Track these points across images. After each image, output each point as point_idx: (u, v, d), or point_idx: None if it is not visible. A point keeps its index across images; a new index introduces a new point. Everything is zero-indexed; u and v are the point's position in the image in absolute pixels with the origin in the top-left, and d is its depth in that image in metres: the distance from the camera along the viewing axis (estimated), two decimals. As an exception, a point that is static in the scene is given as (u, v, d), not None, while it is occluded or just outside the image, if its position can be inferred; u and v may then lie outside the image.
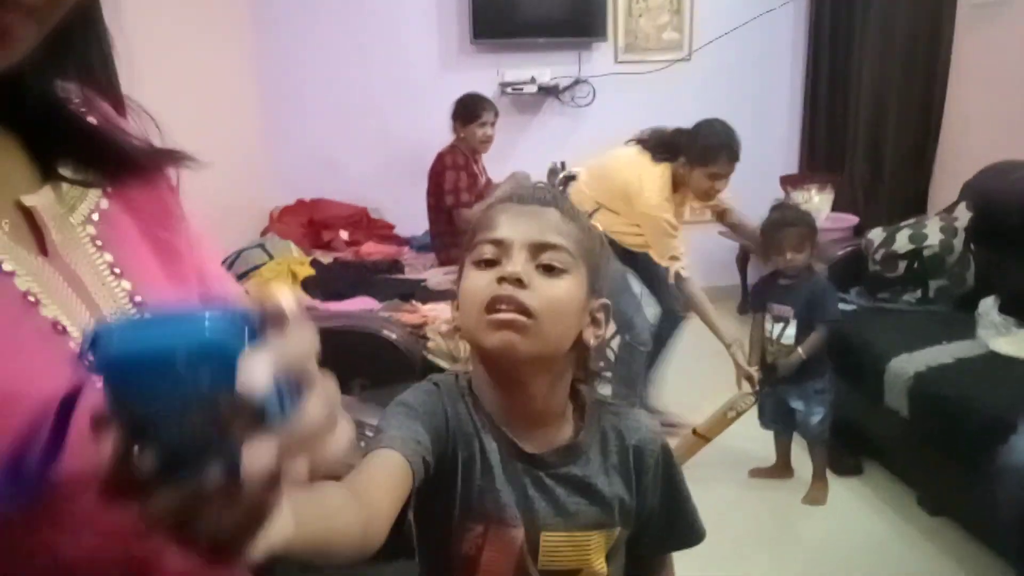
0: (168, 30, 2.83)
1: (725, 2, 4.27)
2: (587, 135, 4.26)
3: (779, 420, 2.57)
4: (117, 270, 0.55)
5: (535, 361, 0.79)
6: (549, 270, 0.78)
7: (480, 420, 0.83)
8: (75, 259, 0.53)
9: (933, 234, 2.80)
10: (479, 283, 0.79)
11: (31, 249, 0.50)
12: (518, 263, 0.77)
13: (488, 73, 4.12)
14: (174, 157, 0.66)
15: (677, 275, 2.60)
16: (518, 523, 0.82)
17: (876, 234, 2.96)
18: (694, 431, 2.51)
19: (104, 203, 0.57)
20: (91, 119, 0.57)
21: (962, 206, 2.86)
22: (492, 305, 0.77)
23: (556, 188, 0.83)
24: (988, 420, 1.99)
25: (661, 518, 0.90)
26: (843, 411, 2.72)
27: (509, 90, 4.11)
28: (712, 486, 2.41)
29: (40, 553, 0.47)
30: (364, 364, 2.28)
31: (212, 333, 0.39)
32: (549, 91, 4.18)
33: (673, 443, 2.38)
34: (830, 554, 2.28)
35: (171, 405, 0.38)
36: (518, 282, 0.76)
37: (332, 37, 4.03)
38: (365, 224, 4.04)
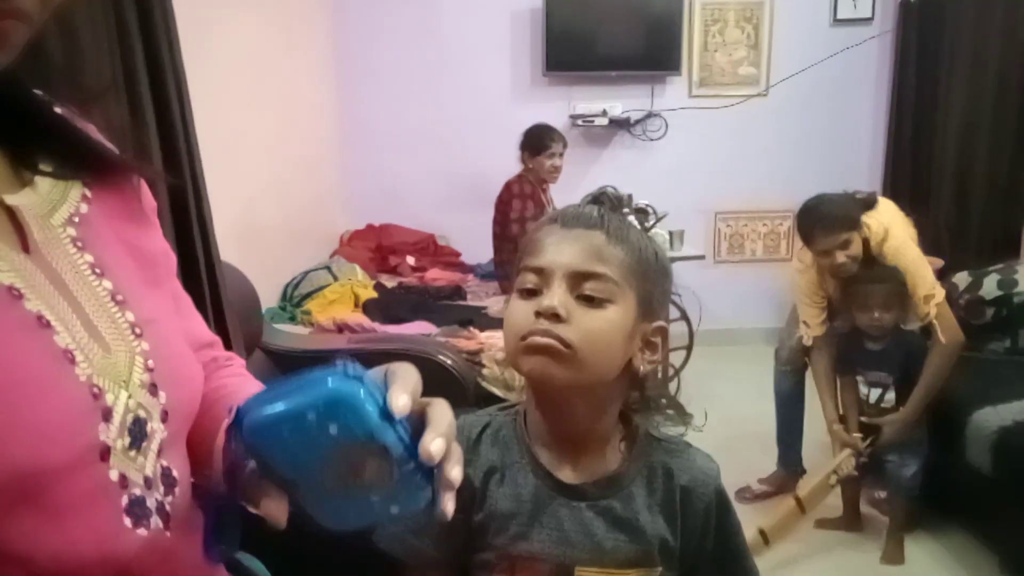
0: (253, 54, 2.96)
1: (805, 37, 4.17)
2: (658, 168, 4.23)
3: (868, 471, 2.43)
4: (98, 270, 0.57)
5: (575, 387, 0.77)
6: (590, 300, 0.76)
7: (520, 449, 0.83)
8: (56, 258, 0.54)
9: (1024, 280, 2.63)
10: (519, 313, 0.77)
11: (13, 246, 0.52)
12: (556, 296, 0.75)
13: (559, 105, 4.14)
14: (141, 165, 0.68)
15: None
16: (548, 556, 0.79)
17: (962, 278, 2.81)
18: (796, 498, 2.28)
19: (84, 207, 0.58)
20: (67, 118, 0.59)
21: (1057, 251, 2.69)
22: (529, 335, 0.76)
23: (608, 209, 0.78)
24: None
25: (713, 570, 0.86)
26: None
27: (580, 122, 4.11)
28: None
29: (26, 545, 0.47)
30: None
31: (335, 385, 0.47)
32: (620, 124, 4.16)
33: (768, 514, 2.34)
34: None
35: (310, 456, 0.46)
36: (555, 316, 0.74)
37: (407, 65, 4.13)
38: (432, 251, 4.08)
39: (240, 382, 0.74)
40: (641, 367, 0.80)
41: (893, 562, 2.33)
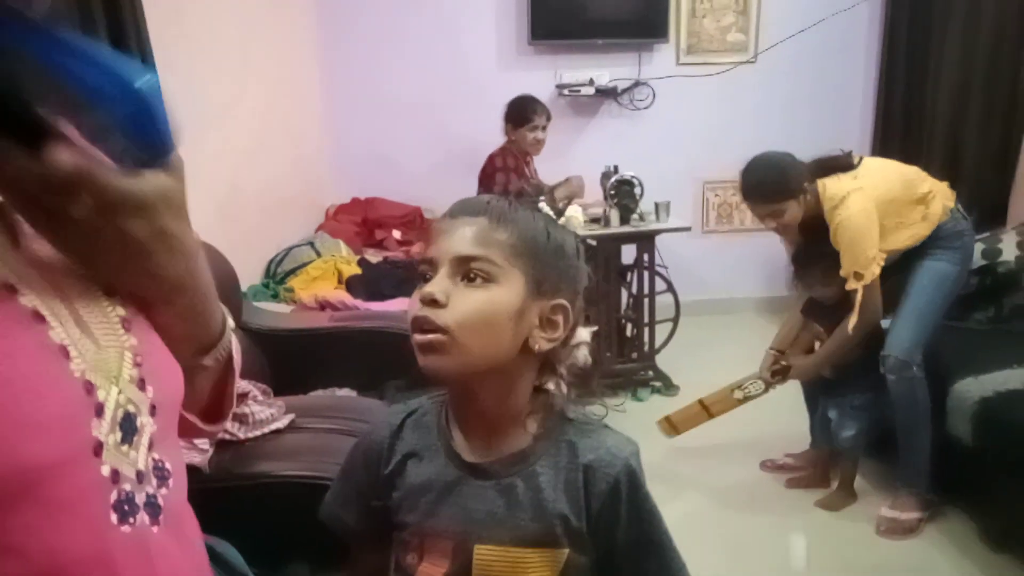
0: (234, 23, 2.90)
1: (794, 1, 4.10)
2: (645, 138, 4.19)
3: (822, 433, 2.55)
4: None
5: (468, 374, 0.79)
6: (471, 281, 0.78)
7: (437, 433, 0.87)
8: (46, 252, 0.55)
9: (1009, 249, 2.63)
10: (411, 304, 0.80)
11: (4, 242, 0.53)
12: (436, 283, 0.78)
13: (545, 74, 4.08)
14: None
15: None
16: (450, 533, 0.83)
17: (947, 247, 2.77)
18: (700, 401, 2.56)
19: None
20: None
21: (1043, 219, 2.67)
22: (415, 327, 0.78)
23: (504, 197, 0.80)
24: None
25: (629, 555, 0.84)
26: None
27: (566, 91, 4.05)
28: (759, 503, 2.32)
29: (21, 539, 0.48)
30: (400, 365, 2.28)
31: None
32: (607, 93, 4.10)
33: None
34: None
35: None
36: (434, 302, 0.76)
37: (392, 34, 4.05)
38: (418, 224, 4.05)
39: None
40: (537, 345, 0.81)
41: (828, 507, 2.46)
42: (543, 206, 0.86)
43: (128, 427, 0.55)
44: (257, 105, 3.11)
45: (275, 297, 2.87)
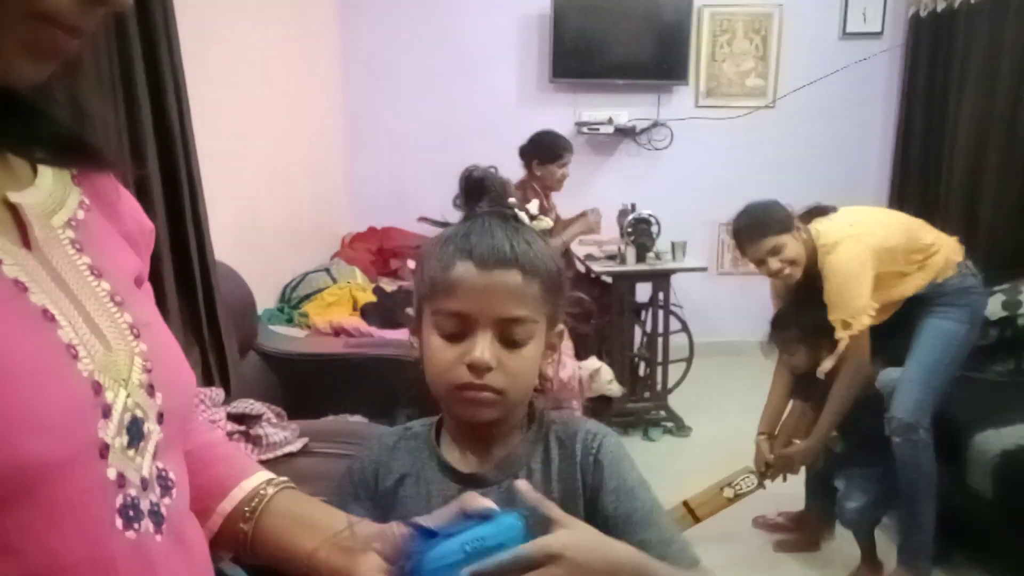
0: (257, 53, 2.94)
1: (814, 49, 4.15)
2: (662, 178, 4.21)
3: (818, 495, 2.43)
4: (96, 271, 0.58)
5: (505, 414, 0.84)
6: (514, 343, 0.80)
7: (429, 451, 0.87)
8: (56, 256, 0.55)
9: (1030, 301, 2.60)
10: (446, 358, 0.80)
11: (15, 242, 0.53)
12: (485, 349, 0.78)
13: (565, 111, 4.12)
14: (119, 159, 0.69)
15: None
16: None
17: (966, 297, 2.76)
18: (685, 503, 2.25)
19: (81, 214, 0.60)
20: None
21: (1064, 272, 2.66)
22: (464, 387, 0.79)
23: (512, 229, 0.80)
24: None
25: (627, 529, 0.82)
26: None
27: (585, 129, 4.09)
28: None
29: (19, 539, 0.47)
30: (412, 394, 2.27)
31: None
32: (626, 132, 4.14)
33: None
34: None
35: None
36: (487, 367, 0.78)
37: (414, 68, 4.12)
38: (433, 255, 4.06)
39: (233, 450, 0.80)
40: (549, 371, 0.86)
41: None
42: (520, 214, 0.85)
43: (135, 431, 0.54)
44: (278, 134, 3.15)
45: (289, 321, 2.87)
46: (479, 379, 0.78)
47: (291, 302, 3.05)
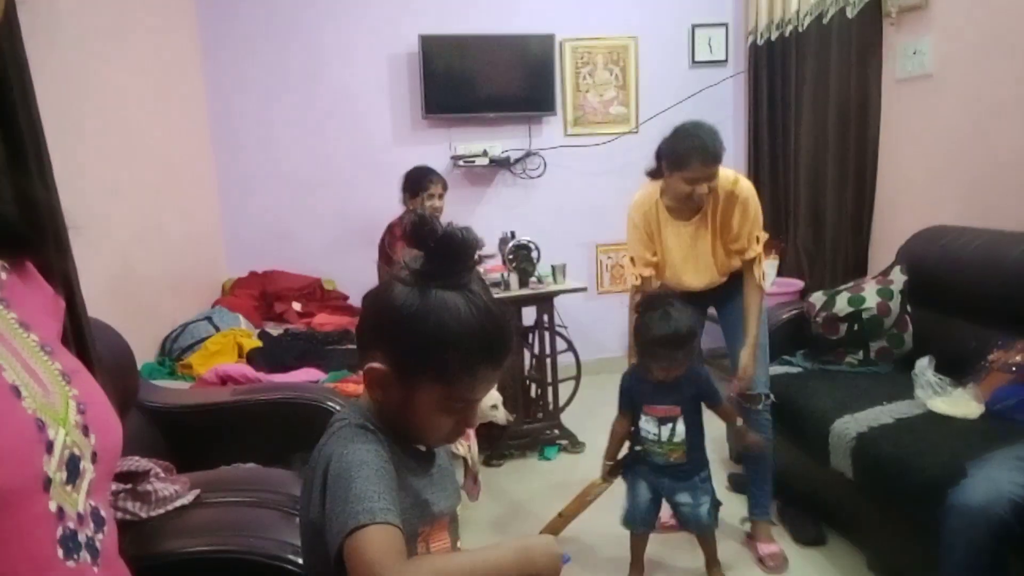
0: (124, 104, 2.87)
1: (668, 77, 4.45)
2: (539, 204, 4.37)
3: (647, 520, 2.40)
4: (25, 325, 0.62)
5: None
6: None
7: (391, 441, 0.96)
8: None
9: (871, 297, 2.87)
10: (445, 428, 0.97)
11: None
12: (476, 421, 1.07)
13: (440, 146, 4.22)
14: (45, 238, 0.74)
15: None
16: (446, 514, 1.01)
17: (817, 297, 3.02)
18: (560, 514, 2.33)
19: (3, 275, 0.64)
20: None
21: (897, 269, 2.96)
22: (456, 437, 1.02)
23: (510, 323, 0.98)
24: (928, 479, 2.01)
25: None
26: (796, 477, 2.74)
27: (461, 163, 4.20)
28: None
29: None
30: (306, 436, 2.24)
31: None
32: (501, 163, 4.27)
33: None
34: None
35: None
36: None
37: (286, 112, 4.10)
38: (318, 295, 4.03)
39: None
40: None
41: None
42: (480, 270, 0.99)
43: (73, 468, 0.57)
44: (146, 184, 3.06)
45: (171, 375, 2.78)
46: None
47: (172, 354, 2.96)
